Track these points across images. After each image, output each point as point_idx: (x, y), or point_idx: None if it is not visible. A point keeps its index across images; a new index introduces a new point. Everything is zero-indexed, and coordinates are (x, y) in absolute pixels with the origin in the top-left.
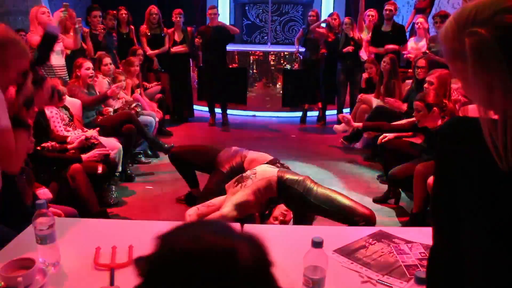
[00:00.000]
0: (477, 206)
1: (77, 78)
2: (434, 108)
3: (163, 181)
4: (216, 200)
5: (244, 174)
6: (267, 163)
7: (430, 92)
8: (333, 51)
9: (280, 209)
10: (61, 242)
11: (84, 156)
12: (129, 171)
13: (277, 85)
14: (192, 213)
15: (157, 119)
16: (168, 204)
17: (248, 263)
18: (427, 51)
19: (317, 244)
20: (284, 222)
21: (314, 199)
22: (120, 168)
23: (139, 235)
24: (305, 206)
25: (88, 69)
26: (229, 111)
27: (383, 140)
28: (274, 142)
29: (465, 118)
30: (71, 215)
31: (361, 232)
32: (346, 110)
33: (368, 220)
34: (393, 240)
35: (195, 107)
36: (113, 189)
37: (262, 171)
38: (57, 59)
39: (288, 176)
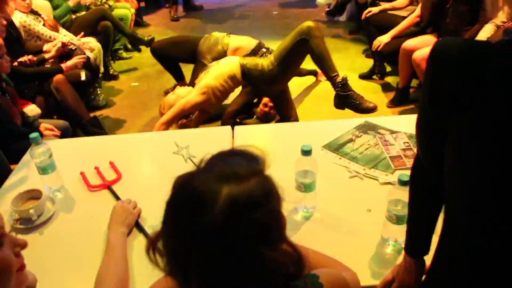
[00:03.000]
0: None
1: None
2: None
3: (148, 76)
4: (182, 90)
5: (208, 64)
6: (253, 49)
7: None
8: None
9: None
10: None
11: (64, 65)
12: (111, 69)
13: None
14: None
15: (132, 11)
16: (157, 99)
17: (225, 205)
18: None
19: (306, 152)
20: (273, 107)
21: (275, 72)
22: (102, 69)
23: (119, 149)
24: (271, 84)
25: None
26: None
27: (367, 14)
28: (256, 21)
29: (474, 41)
30: (64, 128)
31: (348, 124)
32: None
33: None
34: (379, 131)
35: None
36: (99, 91)
37: (225, 60)
38: None
39: (250, 61)
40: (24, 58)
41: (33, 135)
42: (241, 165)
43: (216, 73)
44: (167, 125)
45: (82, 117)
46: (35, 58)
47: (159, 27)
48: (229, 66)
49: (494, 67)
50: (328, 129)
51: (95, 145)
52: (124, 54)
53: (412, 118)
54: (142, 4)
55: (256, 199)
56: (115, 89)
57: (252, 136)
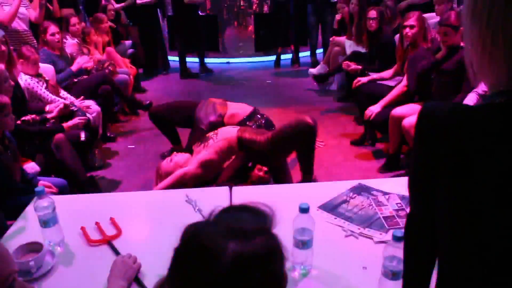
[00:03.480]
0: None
1: (44, 44)
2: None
3: (144, 139)
4: (180, 158)
5: (207, 135)
6: (248, 115)
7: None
8: None
9: None
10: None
11: (65, 125)
12: (109, 132)
13: (249, 29)
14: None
15: (131, 77)
16: (153, 161)
17: (230, 263)
18: None
19: (304, 210)
20: (268, 171)
21: (272, 143)
22: (101, 131)
23: (120, 206)
24: (267, 159)
25: (53, 34)
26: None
27: (357, 84)
28: (250, 89)
29: (458, 105)
30: (61, 186)
31: (342, 186)
32: (319, 51)
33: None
34: (372, 192)
35: (169, 57)
36: (97, 152)
37: (223, 132)
38: (20, 24)
39: (247, 135)
40: (28, 117)
41: (39, 188)
42: (249, 222)
43: (215, 148)
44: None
45: (80, 176)
46: (38, 118)
47: (157, 92)
48: (228, 140)
49: (476, 127)
50: (323, 190)
51: (96, 202)
52: (122, 117)
53: (403, 180)
54: (141, 70)
55: (260, 259)
56: (112, 151)
57: (249, 197)
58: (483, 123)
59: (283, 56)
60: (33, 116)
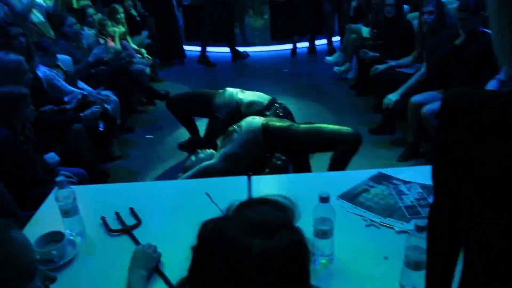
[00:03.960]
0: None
1: (61, 35)
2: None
3: (162, 129)
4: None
5: (230, 128)
6: (266, 104)
7: None
8: None
9: None
10: None
11: (83, 115)
12: (127, 122)
13: (265, 18)
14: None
15: (148, 67)
16: (171, 151)
17: (257, 261)
18: None
19: (324, 199)
20: (286, 161)
21: (300, 138)
22: (119, 121)
23: (139, 196)
24: (294, 148)
25: (70, 26)
26: (217, 49)
27: (375, 72)
28: (267, 79)
29: (480, 92)
30: (81, 176)
31: (362, 175)
32: (336, 39)
33: (355, 138)
34: (392, 181)
35: (185, 47)
36: (115, 142)
37: (247, 124)
38: (38, 16)
39: (272, 124)
40: (46, 108)
41: (60, 178)
42: (271, 216)
43: (240, 141)
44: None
45: (91, 169)
46: (55, 108)
47: (173, 82)
48: (252, 132)
49: (503, 113)
50: (343, 179)
51: (115, 192)
52: (140, 108)
53: (424, 169)
54: (157, 60)
55: (286, 255)
56: (130, 141)
57: (268, 186)
58: (510, 109)
59: (299, 45)
60: (50, 106)
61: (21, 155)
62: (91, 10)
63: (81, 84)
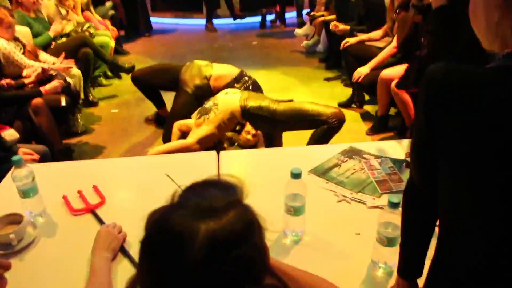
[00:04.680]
0: (459, 160)
1: (18, 5)
2: None
3: (128, 103)
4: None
5: (206, 106)
6: (235, 77)
7: None
8: None
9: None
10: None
11: (43, 89)
12: (91, 96)
13: None
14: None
15: (112, 39)
16: (137, 125)
17: (205, 245)
18: None
19: (296, 175)
20: (255, 135)
21: (281, 117)
22: (82, 95)
23: (103, 173)
24: (274, 126)
25: None
26: (186, 21)
27: (345, 45)
28: (236, 52)
29: (460, 67)
30: (43, 153)
31: (333, 149)
32: (305, 11)
33: (338, 117)
34: (364, 156)
35: (151, 18)
36: (79, 117)
37: (224, 102)
38: None
39: (251, 103)
40: (3, 82)
41: (16, 157)
42: (217, 197)
43: (217, 121)
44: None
45: (55, 145)
46: (13, 82)
47: (139, 55)
48: (230, 111)
49: (485, 90)
50: (314, 154)
51: (78, 169)
52: (104, 81)
53: (395, 144)
54: (122, 32)
55: (237, 234)
56: (95, 116)
57: (237, 161)
58: (492, 86)
59: (268, 17)
60: (8, 80)
61: None
62: None
63: (43, 55)
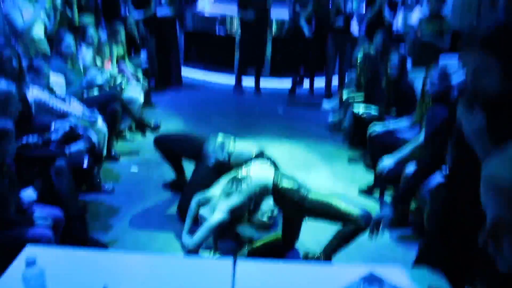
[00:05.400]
0: None
1: (58, 53)
2: None
3: (148, 163)
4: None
5: (239, 176)
6: (254, 156)
7: None
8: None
9: (268, 204)
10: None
11: (68, 151)
12: (113, 151)
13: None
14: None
15: (142, 97)
16: (155, 189)
17: None
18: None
19: None
20: (272, 217)
21: (309, 205)
22: (105, 152)
23: (113, 270)
24: (299, 212)
25: (68, 46)
26: (216, 78)
27: (371, 134)
28: (261, 119)
29: None
30: (57, 219)
31: (352, 272)
32: (334, 83)
33: (367, 220)
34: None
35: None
36: (98, 172)
37: (257, 177)
38: (37, 32)
39: (284, 184)
40: (30, 140)
41: (30, 259)
42: None
43: (249, 193)
44: (195, 249)
45: (70, 210)
46: (40, 142)
47: (166, 110)
48: (263, 186)
49: None
50: (336, 274)
51: (89, 262)
52: (128, 136)
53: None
54: (152, 82)
55: None
56: (114, 173)
57: (257, 274)
58: None
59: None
60: (35, 138)
61: None
62: (91, 30)
63: (73, 103)
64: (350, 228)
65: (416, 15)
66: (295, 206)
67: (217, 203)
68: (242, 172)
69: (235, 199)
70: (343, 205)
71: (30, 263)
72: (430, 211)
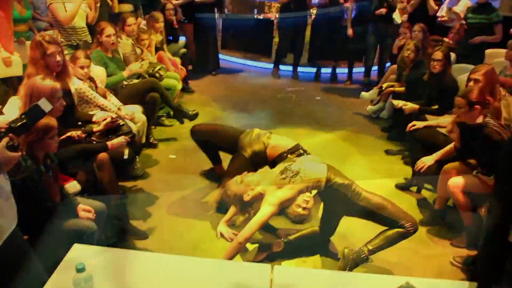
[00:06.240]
0: None
1: (98, 44)
2: (476, 106)
3: (186, 149)
4: (252, 179)
5: (292, 168)
6: (289, 149)
7: (474, 90)
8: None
9: (303, 195)
10: None
11: (110, 144)
12: (152, 138)
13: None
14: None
15: (180, 84)
16: (192, 177)
17: None
18: (463, 21)
19: None
20: (306, 208)
21: (359, 202)
22: (144, 140)
23: (153, 270)
24: (348, 208)
25: (109, 36)
26: (253, 63)
27: (411, 128)
28: (299, 107)
29: None
30: (100, 211)
31: (388, 282)
32: (374, 69)
33: (415, 226)
34: None
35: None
36: (137, 159)
37: (312, 170)
38: (79, 21)
39: (338, 179)
40: (73, 133)
41: (79, 265)
42: None
43: (302, 186)
44: (245, 242)
45: (111, 200)
46: (83, 135)
47: (203, 95)
48: (317, 179)
49: None
50: (371, 285)
51: (131, 263)
52: (166, 122)
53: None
54: (190, 67)
55: None
56: (153, 160)
57: (294, 281)
58: None
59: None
60: (78, 133)
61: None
62: (131, 20)
63: (111, 98)
64: (397, 233)
65: (463, 2)
66: (345, 203)
67: (266, 195)
68: (296, 164)
69: (287, 192)
70: (394, 209)
71: (80, 269)
72: None
